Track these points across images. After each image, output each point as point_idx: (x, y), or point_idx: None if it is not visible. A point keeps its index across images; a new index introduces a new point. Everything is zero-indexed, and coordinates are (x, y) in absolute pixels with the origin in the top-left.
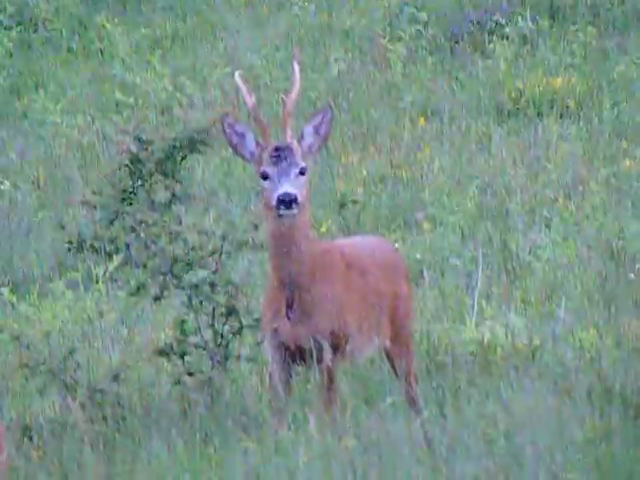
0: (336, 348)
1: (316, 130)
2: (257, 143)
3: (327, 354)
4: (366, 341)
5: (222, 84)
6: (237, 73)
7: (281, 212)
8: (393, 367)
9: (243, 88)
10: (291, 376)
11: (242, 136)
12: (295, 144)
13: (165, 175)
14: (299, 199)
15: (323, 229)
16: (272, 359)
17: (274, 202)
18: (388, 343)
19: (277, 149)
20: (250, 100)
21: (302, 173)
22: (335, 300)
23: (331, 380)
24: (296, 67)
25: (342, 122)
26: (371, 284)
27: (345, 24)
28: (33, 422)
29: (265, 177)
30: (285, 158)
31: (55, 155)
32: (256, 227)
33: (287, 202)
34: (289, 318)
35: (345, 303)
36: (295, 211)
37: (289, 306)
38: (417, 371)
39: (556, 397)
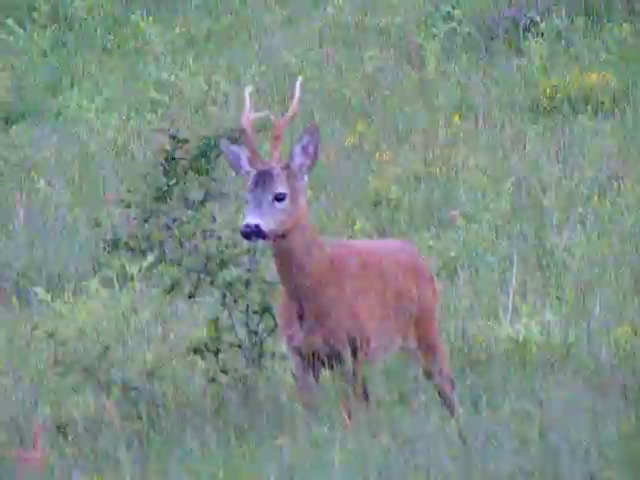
0: (355, 350)
1: (304, 150)
2: (250, 163)
3: (347, 358)
4: (387, 342)
5: (256, 82)
6: (247, 89)
7: (245, 243)
8: (422, 368)
9: (247, 105)
10: (316, 376)
11: (238, 157)
12: (277, 169)
13: (199, 173)
14: (265, 228)
15: (357, 227)
16: (292, 361)
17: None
18: (413, 345)
19: (257, 174)
20: (246, 121)
21: (279, 199)
22: (347, 304)
23: (357, 380)
24: (298, 87)
25: (376, 120)
26: (392, 286)
27: (379, 22)
28: (68, 420)
29: (246, 202)
30: (262, 184)
31: (90, 153)
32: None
33: (246, 234)
34: (301, 327)
35: (360, 306)
36: (259, 242)
37: (300, 316)
38: (451, 370)
39: (591, 394)
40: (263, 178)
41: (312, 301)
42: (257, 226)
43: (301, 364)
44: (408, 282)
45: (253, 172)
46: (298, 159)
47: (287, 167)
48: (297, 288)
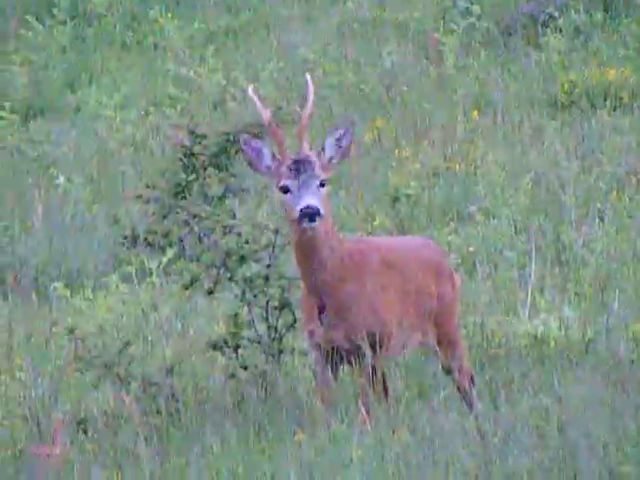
0: (375, 346)
1: (337, 142)
2: (274, 157)
3: (367, 354)
4: (406, 338)
5: (275, 78)
6: (250, 88)
7: (304, 225)
8: (441, 365)
9: (257, 103)
10: (336, 372)
11: (259, 152)
12: (314, 156)
13: (219, 169)
14: (321, 211)
15: (376, 223)
16: (312, 357)
17: (296, 215)
18: (432, 342)
19: (296, 162)
20: (265, 114)
21: (322, 185)
22: (368, 299)
23: (376, 376)
24: (309, 82)
25: (395, 116)
26: (411, 282)
27: (398, 17)
28: (88, 415)
29: (286, 190)
30: (305, 170)
31: (109, 149)
32: (276, 231)
33: (309, 215)
34: (322, 322)
35: (381, 301)
36: (317, 224)
37: (320, 311)
38: (470, 366)
39: (610, 389)
40: (304, 165)
41: (332, 296)
42: (317, 207)
43: (321, 360)
44: (428, 279)
45: (289, 160)
46: (329, 151)
47: (319, 155)
48: (317, 283)
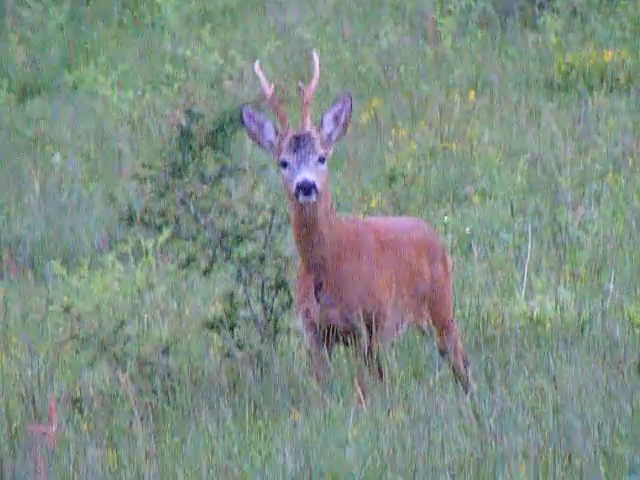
0: (370, 326)
1: (335, 118)
2: (276, 132)
3: (363, 333)
4: (400, 319)
5: (272, 57)
6: (256, 64)
7: (300, 199)
8: (435, 346)
9: (262, 78)
10: (330, 352)
11: (261, 126)
12: (314, 132)
13: (215, 148)
14: (318, 187)
15: (373, 203)
16: (307, 337)
17: (293, 189)
18: (426, 323)
19: (297, 137)
20: (268, 90)
21: (321, 161)
22: (364, 279)
23: (372, 356)
24: (316, 57)
25: (392, 96)
26: (406, 263)
27: None
28: (83, 394)
29: (284, 165)
30: (304, 146)
31: (106, 128)
32: (273, 211)
33: (306, 189)
34: (318, 300)
35: (376, 281)
36: (314, 198)
37: (317, 289)
38: (466, 346)
39: (605, 371)
40: (304, 140)
41: (330, 274)
42: (314, 182)
43: (315, 339)
44: (421, 259)
45: (290, 135)
46: (328, 127)
47: (319, 132)
48: (315, 260)
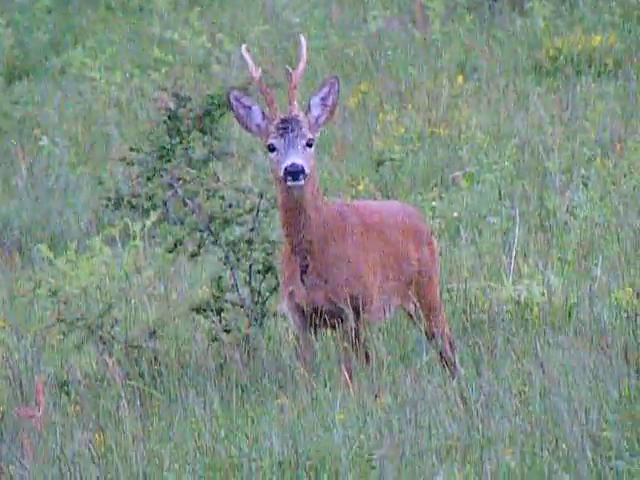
0: (357, 310)
1: (323, 101)
2: (264, 116)
3: (350, 316)
4: (386, 303)
5: (260, 41)
6: (243, 47)
7: (289, 183)
8: (422, 330)
9: (249, 61)
10: (316, 335)
11: (249, 109)
12: (302, 116)
13: (203, 132)
14: (306, 170)
15: (360, 187)
16: (292, 320)
17: (281, 173)
18: (412, 306)
19: (284, 121)
20: (256, 73)
21: (309, 145)
22: (350, 262)
23: (359, 340)
24: (303, 41)
25: (380, 80)
26: (391, 246)
27: None
28: (70, 377)
29: (272, 149)
30: (292, 130)
31: (93, 111)
32: (261, 195)
33: (294, 173)
34: (304, 283)
35: (362, 264)
36: (302, 182)
37: (303, 271)
38: (452, 330)
39: (592, 355)
40: (292, 124)
41: (316, 257)
42: (302, 166)
43: (301, 322)
44: (407, 243)
45: (277, 119)
46: (315, 110)
47: (306, 115)
48: (302, 243)
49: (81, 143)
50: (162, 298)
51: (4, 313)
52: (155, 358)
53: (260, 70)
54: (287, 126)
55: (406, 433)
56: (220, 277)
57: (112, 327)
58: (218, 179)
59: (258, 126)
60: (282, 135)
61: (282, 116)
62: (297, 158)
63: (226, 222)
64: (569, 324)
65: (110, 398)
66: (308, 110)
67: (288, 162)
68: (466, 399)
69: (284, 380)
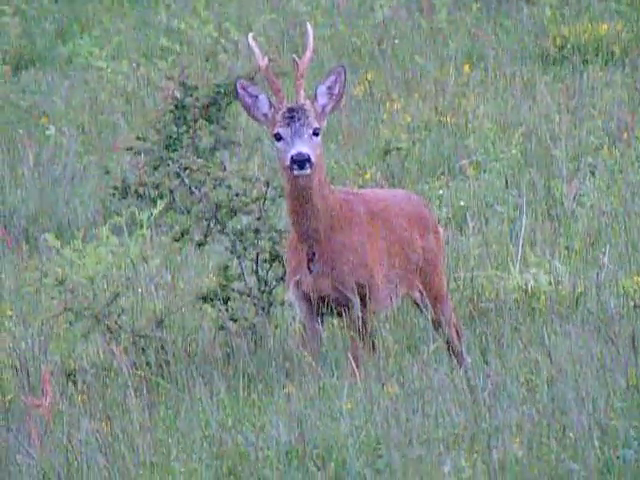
0: (363, 298)
1: (329, 90)
2: (270, 105)
3: (356, 304)
4: (392, 291)
5: (267, 30)
6: (250, 36)
7: (295, 172)
8: (429, 319)
9: (256, 50)
10: (322, 323)
11: (255, 98)
12: (309, 105)
13: (209, 121)
14: (312, 159)
15: (367, 176)
16: (298, 308)
17: (287, 162)
18: (418, 295)
19: (290, 110)
20: (263, 62)
21: (316, 134)
22: (357, 250)
23: (365, 329)
24: (310, 30)
25: (387, 69)
26: (397, 234)
27: None
28: (77, 367)
29: (279, 138)
30: (298, 119)
31: (100, 100)
32: (267, 184)
33: (300, 162)
34: (311, 271)
35: (369, 252)
36: (309, 171)
37: (310, 259)
38: (459, 319)
39: (599, 344)
40: (298, 113)
41: (323, 246)
42: (308, 155)
43: (308, 311)
44: (412, 231)
45: (284, 108)
46: (322, 99)
47: (313, 104)
48: (309, 232)
49: (88, 132)
50: (169, 287)
51: (11, 302)
52: (162, 347)
53: (267, 59)
54: (293, 115)
55: (413, 422)
56: (227, 266)
57: (119, 316)
58: (225, 168)
59: (265, 115)
60: (288, 124)
61: (289, 105)
62: (303, 147)
63: (233, 211)
64: (576, 313)
65: (117, 387)
66: (315, 99)
67: (294, 151)
68: (473, 388)
69: (291, 369)
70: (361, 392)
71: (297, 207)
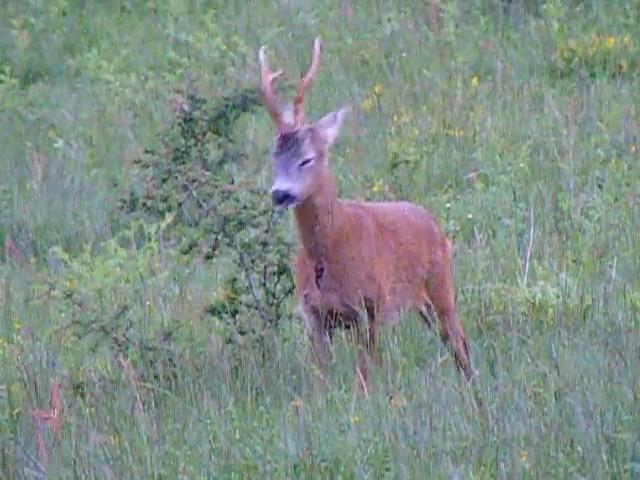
0: (371, 311)
1: (334, 118)
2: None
3: (363, 318)
4: (400, 304)
5: (275, 43)
6: (261, 50)
7: (275, 208)
8: (437, 332)
9: (265, 67)
10: (330, 337)
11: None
12: (302, 132)
13: (217, 134)
14: (295, 193)
15: (375, 188)
16: (308, 322)
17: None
18: (425, 308)
19: (283, 137)
20: (265, 80)
21: (306, 163)
22: (365, 265)
23: (373, 342)
24: (317, 47)
25: (395, 82)
26: (404, 248)
27: None
28: (85, 379)
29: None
30: (288, 148)
31: (108, 113)
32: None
33: (276, 200)
34: (319, 286)
35: (376, 266)
36: (290, 206)
37: (318, 275)
38: (467, 332)
39: (607, 357)
40: (289, 142)
41: (331, 260)
42: (287, 191)
43: (317, 325)
44: (420, 245)
45: (279, 133)
46: (326, 124)
47: (311, 130)
48: (317, 247)
49: (96, 145)
50: (177, 300)
51: (19, 315)
52: (170, 360)
53: (271, 77)
54: (284, 144)
55: (421, 435)
56: (235, 279)
57: (127, 329)
58: (233, 181)
59: None
60: (277, 155)
61: (283, 132)
62: (285, 183)
63: (241, 224)
64: (584, 326)
65: (125, 400)
66: (318, 124)
67: (274, 187)
68: (481, 400)
69: (299, 382)
70: (369, 405)
71: (304, 226)
